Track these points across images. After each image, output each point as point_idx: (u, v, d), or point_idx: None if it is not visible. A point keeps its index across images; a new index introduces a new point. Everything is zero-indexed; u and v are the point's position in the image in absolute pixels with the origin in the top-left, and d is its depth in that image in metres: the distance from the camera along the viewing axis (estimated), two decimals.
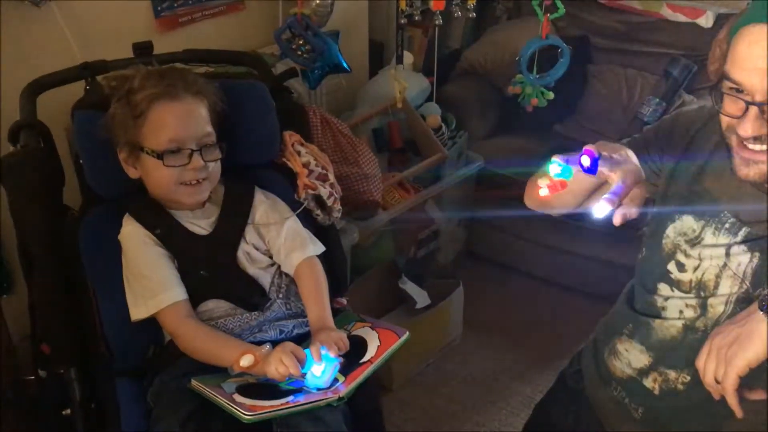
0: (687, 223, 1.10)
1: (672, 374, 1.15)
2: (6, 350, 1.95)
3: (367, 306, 2.18)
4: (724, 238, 1.06)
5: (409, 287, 2.34)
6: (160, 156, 1.25)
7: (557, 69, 2.09)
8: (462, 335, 2.51)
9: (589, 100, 2.81)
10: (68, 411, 1.28)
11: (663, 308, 1.15)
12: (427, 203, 2.48)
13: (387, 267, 2.37)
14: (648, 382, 1.18)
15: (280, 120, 1.49)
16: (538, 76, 2.13)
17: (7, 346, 1.95)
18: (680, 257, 1.11)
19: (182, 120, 1.26)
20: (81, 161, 1.36)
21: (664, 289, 1.15)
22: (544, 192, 0.93)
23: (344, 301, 1.50)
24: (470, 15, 2.27)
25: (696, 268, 1.10)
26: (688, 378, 1.14)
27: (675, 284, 1.13)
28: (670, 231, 1.12)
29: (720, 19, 2.62)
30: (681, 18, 2.68)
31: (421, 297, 2.34)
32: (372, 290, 2.31)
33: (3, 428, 1.90)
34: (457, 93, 2.80)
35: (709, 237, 1.07)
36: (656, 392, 1.18)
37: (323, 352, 1.19)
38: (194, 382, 1.17)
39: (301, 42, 2.05)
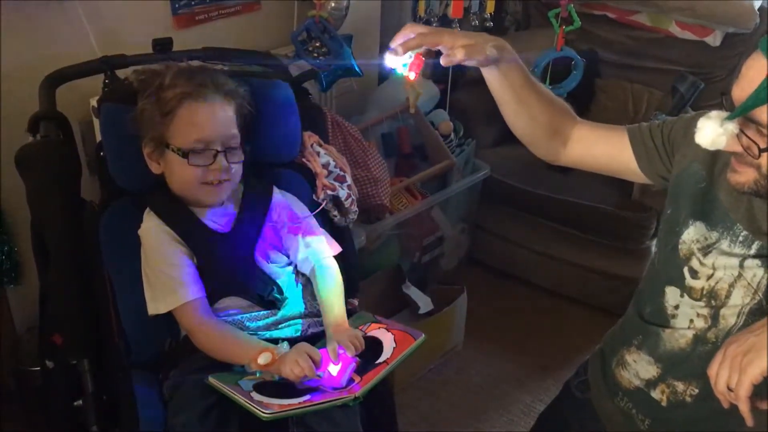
0: (699, 230, 1.10)
1: (680, 386, 1.16)
2: (10, 341, 1.94)
3: (370, 309, 2.17)
4: (739, 250, 1.06)
5: (413, 292, 2.34)
6: (185, 154, 1.26)
7: (570, 80, 2.10)
8: (463, 341, 2.51)
9: (595, 113, 2.82)
10: (80, 402, 1.26)
11: (673, 316, 1.15)
12: (433, 209, 2.49)
13: (391, 271, 2.37)
14: (656, 394, 1.19)
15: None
16: (551, 87, 2.14)
17: (11, 337, 1.95)
18: (694, 264, 1.11)
19: (210, 121, 1.27)
20: (103, 153, 1.37)
21: (674, 293, 1.14)
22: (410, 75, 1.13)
23: (356, 302, 1.51)
24: (487, 24, 2.28)
25: (709, 277, 1.09)
26: (697, 390, 1.14)
27: (686, 290, 1.12)
28: (686, 236, 1.12)
29: (728, 39, 2.65)
30: (689, 36, 2.70)
31: (424, 302, 2.34)
32: (376, 294, 2.31)
33: (4, 418, 1.89)
34: (466, 101, 2.80)
35: (724, 246, 1.07)
36: (664, 404, 1.18)
37: (340, 351, 1.20)
38: (212, 380, 1.17)
39: (317, 44, 2.06)
